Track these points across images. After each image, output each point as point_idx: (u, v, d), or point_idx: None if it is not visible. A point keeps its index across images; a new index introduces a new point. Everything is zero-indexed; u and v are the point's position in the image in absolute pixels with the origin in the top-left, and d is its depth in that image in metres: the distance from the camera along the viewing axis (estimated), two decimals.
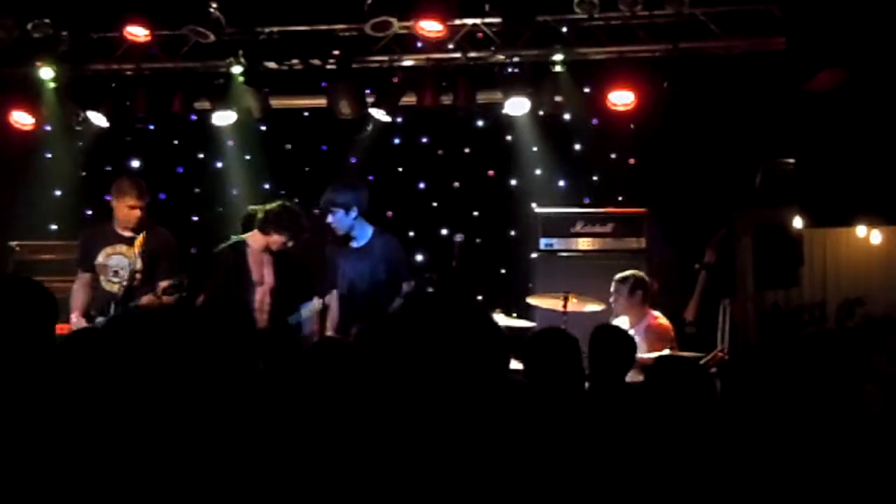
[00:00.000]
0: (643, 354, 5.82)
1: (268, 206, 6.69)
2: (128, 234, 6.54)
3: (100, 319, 6.31)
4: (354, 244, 6.70)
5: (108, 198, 6.82)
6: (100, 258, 6.53)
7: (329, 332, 6.54)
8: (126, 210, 6.52)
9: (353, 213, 6.60)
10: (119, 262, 6.50)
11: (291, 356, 4.02)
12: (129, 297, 6.33)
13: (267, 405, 3.21)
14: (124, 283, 6.38)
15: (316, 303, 6.58)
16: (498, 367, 3.35)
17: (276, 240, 6.57)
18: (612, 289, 6.83)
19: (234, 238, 6.76)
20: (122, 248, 6.52)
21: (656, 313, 6.79)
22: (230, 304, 3.68)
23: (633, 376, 5.08)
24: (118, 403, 2.86)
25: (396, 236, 7.05)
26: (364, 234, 6.69)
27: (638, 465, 3.33)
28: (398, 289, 6.41)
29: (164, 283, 6.23)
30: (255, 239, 6.65)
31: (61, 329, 6.38)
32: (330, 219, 6.61)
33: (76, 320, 6.41)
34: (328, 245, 6.81)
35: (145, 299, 6.29)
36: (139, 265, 6.44)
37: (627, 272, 6.89)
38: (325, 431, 3.11)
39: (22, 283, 3.06)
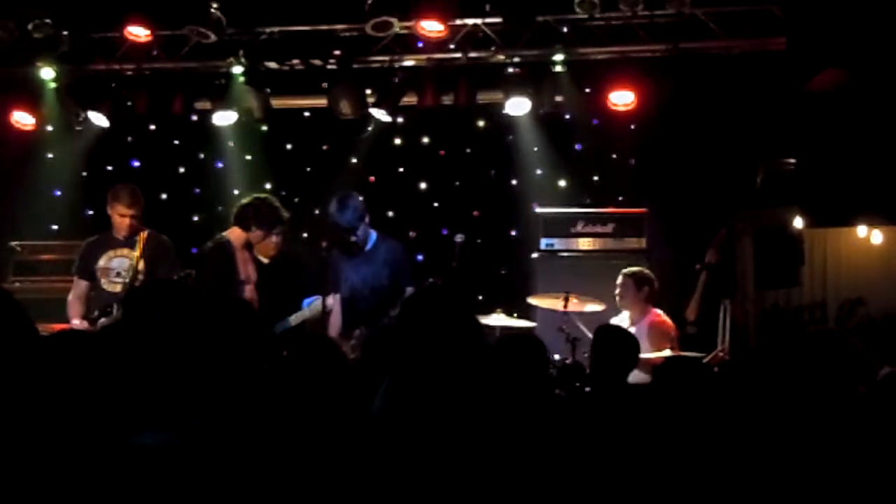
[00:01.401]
0: (646, 353, 5.82)
1: (243, 201, 6.66)
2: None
3: (103, 321, 6.32)
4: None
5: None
6: (101, 262, 6.54)
7: (331, 335, 6.53)
8: (117, 217, 6.53)
9: (367, 219, 6.61)
10: (121, 263, 6.51)
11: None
12: None
13: (271, 406, 3.21)
14: (127, 282, 6.39)
15: (318, 302, 6.58)
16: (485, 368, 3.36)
17: (256, 235, 6.56)
18: (618, 281, 6.83)
19: (217, 237, 6.72)
20: (124, 250, 6.54)
21: (658, 311, 6.80)
22: (234, 305, 3.68)
23: (636, 375, 5.09)
24: (122, 403, 2.86)
25: (400, 241, 7.05)
26: (369, 239, 6.69)
27: (640, 465, 3.33)
28: (401, 293, 6.38)
29: (180, 273, 6.24)
30: (235, 236, 6.62)
31: (54, 328, 6.44)
32: (354, 238, 6.58)
33: (77, 323, 6.42)
34: (332, 249, 6.80)
35: None
36: (142, 265, 6.45)
37: (635, 268, 6.90)
38: (328, 432, 3.11)
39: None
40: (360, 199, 6.64)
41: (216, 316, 3.51)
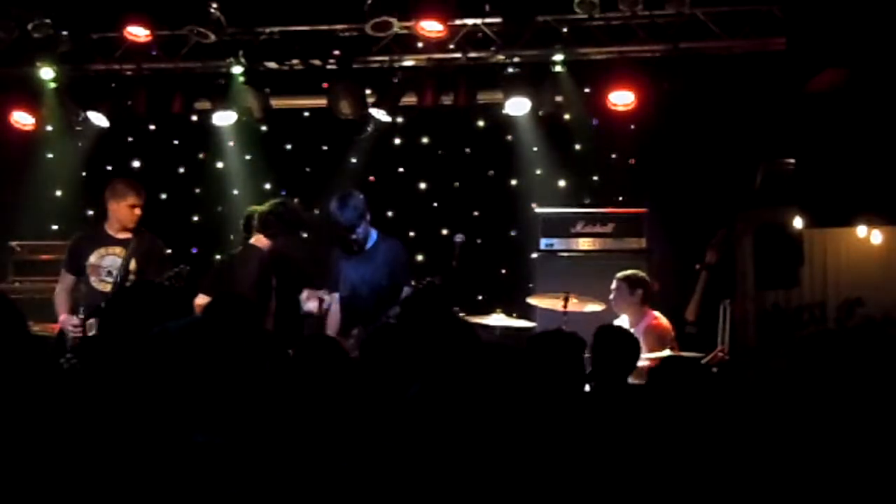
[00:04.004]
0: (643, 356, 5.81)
1: (266, 209, 6.66)
2: (122, 235, 6.54)
3: (92, 321, 6.31)
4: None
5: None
6: (92, 259, 6.51)
7: (329, 334, 6.52)
8: (127, 210, 6.51)
9: (368, 217, 6.60)
10: (113, 262, 6.49)
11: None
12: None
13: (273, 406, 3.21)
14: (117, 282, 6.39)
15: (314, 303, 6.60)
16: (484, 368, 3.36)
17: (281, 243, 6.56)
18: (612, 286, 6.83)
19: (247, 245, 6.70)
20: (116, 249, 6.51)
21: (656, 313, 6.79)
22: (237, 304, 3.67)
23: (632, 379, 5.07)
24: (126, 406, 2.86)
25: (400, 240, 7.04)
26: (369, 238, 6.68)
27: (640, 466, 3.33)
28: (399, 293, 6.38)
29: (167, 273, 6.23)
30: (263, 244, 6.62)
31: (54, 328, 6.44)
32: (354, 236, 6.57)
33: (64, 318, 6.41)
34: (332, 248, 6.80)
35: None
36: (133, 265, 6.44)
37: (628, 271, 6.89)
38: (330, 432, 3.12)
39: None
40: (362, 197, 6.64)
41: (222, 316, 3.51)
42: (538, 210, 8.00)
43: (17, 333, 3.00)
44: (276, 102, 8.25)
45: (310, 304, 6.58)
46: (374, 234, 6.70)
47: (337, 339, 5.71)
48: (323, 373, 3.47)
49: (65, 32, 7.79)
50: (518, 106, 7.71)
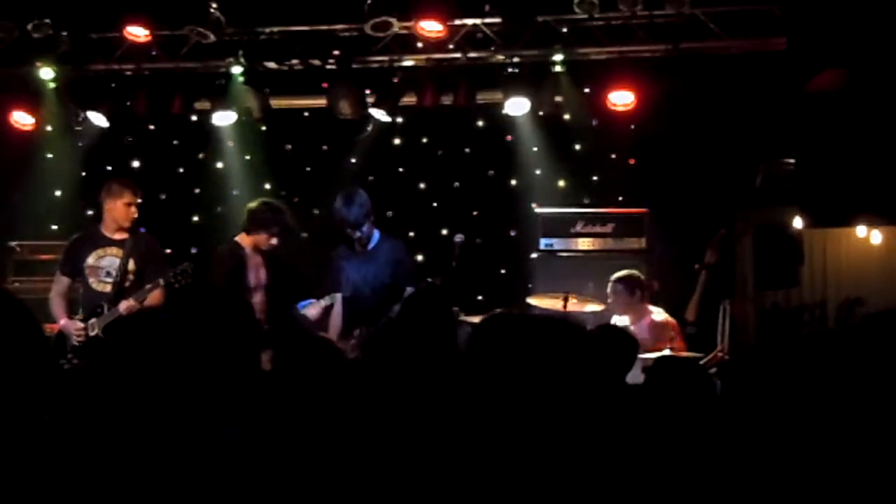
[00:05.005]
0: (649, 352, 5.82)
1: (250, 205, 6.71)
2: (118, 236, 6.53)
3: (93, 321, 6.32)
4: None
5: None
6: (90, 260, 6.49)
7: (332, 335, 6.54)
8: (123, 208, 6.50)
9: (372, 217, 6.62)
10: (111, 262, 6.48)
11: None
12: (120, 296, 6.33)
13: (270, 406, 3.21)
14: (116, 282, 6.39)
15: (312, 306, 6.61)
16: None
17: (259, 239, 6.60)
18: (608, 289, 6.83)
19: (231, 241, 6.76)
20: (113, 249, 6.49)
21: (654, 308, 6.81)
22: (231, 302, 3.67)
23: (637, 376, 5.08)
24: (122, 405, 2.85)
25: (402, 240, 7.04)
26: (373, 237, 6.69)
27: (638, 466, 3.32)
28: (402, 293, 6.37)
29: (171, 271, 6.23)
30: (244, 241, 6.66)
31: (52, 328, 6.43)
32: (359, 234, 6.58)
33: (64, 322, 6.40)
34: (333, 248, 6.81)
35: (132, 301, 6.29)
36: (132, 265, 6.44)
37: (623, 272, 6.90)
38: (327, 433, 3.11)
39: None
40: (366, 196, 6.65)
41: (216, 314, 3.50)
42: (538, 210, 8.00)
43: (33, 337, 2.99)
44: (276, 102, 8.25)
45: (311, 311, 6.63)
46: (376, 233, 6.71)
47: (333, 341, 5.75)
48: (310, 376, 3.46)
49: (65, 32, 7.80)
50: (518, 106, 7.71)
